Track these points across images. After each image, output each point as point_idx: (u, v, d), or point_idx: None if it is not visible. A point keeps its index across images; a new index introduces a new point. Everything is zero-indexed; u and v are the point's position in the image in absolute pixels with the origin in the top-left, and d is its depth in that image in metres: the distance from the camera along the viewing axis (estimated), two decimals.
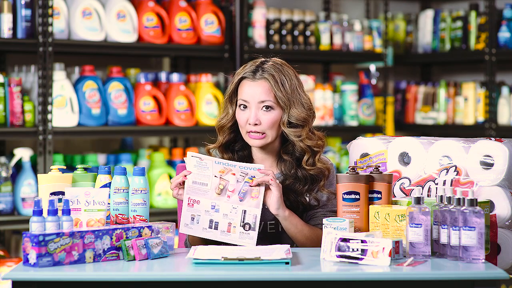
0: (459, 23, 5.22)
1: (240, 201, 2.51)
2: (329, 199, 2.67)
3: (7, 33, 4.03)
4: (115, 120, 4.33)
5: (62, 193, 2.44)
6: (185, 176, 2.53)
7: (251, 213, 2.51)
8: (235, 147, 2.73)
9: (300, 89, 2.66)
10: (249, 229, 2.50)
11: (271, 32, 4.82)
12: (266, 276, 2.17)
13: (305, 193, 2.65)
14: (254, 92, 2.62)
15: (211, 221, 2.52)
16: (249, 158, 2.73)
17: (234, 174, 2.52)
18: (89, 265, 2.25)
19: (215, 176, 2.52)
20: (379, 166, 2.56)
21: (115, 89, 4.36)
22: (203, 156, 2.54)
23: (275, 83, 2.61)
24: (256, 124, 2.61)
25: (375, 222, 2.44)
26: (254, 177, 2.52)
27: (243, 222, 2.51)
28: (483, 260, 2.27)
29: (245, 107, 2.64)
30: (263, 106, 2.62)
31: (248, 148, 2.72)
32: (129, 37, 4.38)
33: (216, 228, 2.51)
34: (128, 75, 4.54)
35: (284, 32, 4.86)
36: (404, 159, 2.69)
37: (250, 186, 2.51)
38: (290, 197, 2.63)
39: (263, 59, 2.68)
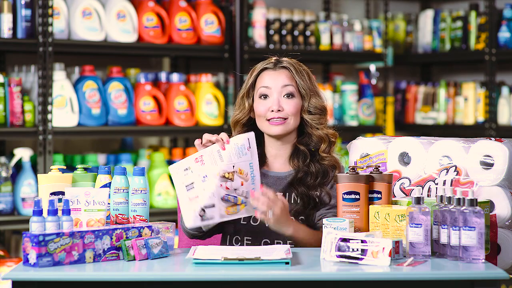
0: (459, 23, 5.22)
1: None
2: None
3: (7, 33, 4.03)
4: (115, 120, 4.33)
5: (62, 193, 2.44)
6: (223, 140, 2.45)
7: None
8: None
9: (316, 83, 2.75)
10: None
11: (271, 32, 4.82)
12: (266, 276, 2.17)
13: (317, 187, 2.65)
14: (276, 78, 2.69)
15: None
16: (261, 156, 2.71)
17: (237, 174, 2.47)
18: (89, 265, 2.25)
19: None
20: (379, 166, 2.56)
21: (115, 89, 4.36)
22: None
23: (296, 72, 2.70)
24: (279, 111, 2.65)
25: (375, 222, 2.44)
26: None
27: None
28: (483, 260, 2.27)
29: (266, 97, 2.68)
30: (285, 94, 2.67)
31: (261, 146, 2.73)
32: (129, 37, 4.38)
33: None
34: (128, 75, 4.54)
35: (284, 32, 4.86)
36: (404, 159, 2.69)
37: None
38: (300, 190, 2.64)
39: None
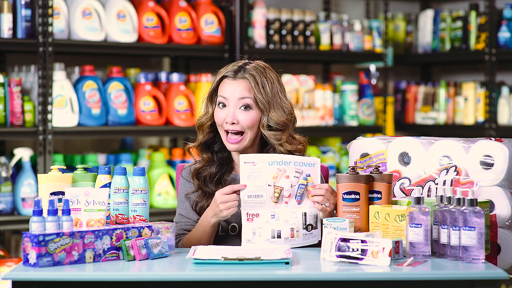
0: (459, 23, 5.22)
1: (298, 204, 2.49)
2: None
3: (7, 33, 4.03)
4: (115, 120, 4.33)
5: (62, 193, 2.44)
6: (238, 192, 2.49)
7: (311, 214, 2.51)
8: (214, 148, 2.71)
9: (282, 94, 2.65)
10: (312, 229, 2.51)
11: (271, 32, 4.82)
12: (266, 276, 2.17)
13: None
14: (234, 89, 2.61)
15: (273, 230, 2.49)
16: (229, 161, 2.71)
17: (287, 177, 2.48)
18: (89, 265, 2.25)
19: (269, 185, 2.48)
20: (379, 166, 2.56)
21: (115, 89, 4.36)
22: (256, 158, 2.49)
23: (255, 84, 2.60)
24: (233, 123, 2.60)
25: (375, 222, 2.44)
26: (309, 175, 2.49)
27: (305, 224, 2.50)
28: (483, 260, 2.27)
29: (224, 105, 2.63)
30: (242, 106, 2.61)
31: (228, 150, 2.69)
32: (129, 37, 4.38)
33: (279, 236, 2.49)
34: (128, 75, 4.54)
35: (284, 32, 4.86)
36: (404, 159, 2.69)
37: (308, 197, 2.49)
38: None
39: (246, 60, 2.69)
